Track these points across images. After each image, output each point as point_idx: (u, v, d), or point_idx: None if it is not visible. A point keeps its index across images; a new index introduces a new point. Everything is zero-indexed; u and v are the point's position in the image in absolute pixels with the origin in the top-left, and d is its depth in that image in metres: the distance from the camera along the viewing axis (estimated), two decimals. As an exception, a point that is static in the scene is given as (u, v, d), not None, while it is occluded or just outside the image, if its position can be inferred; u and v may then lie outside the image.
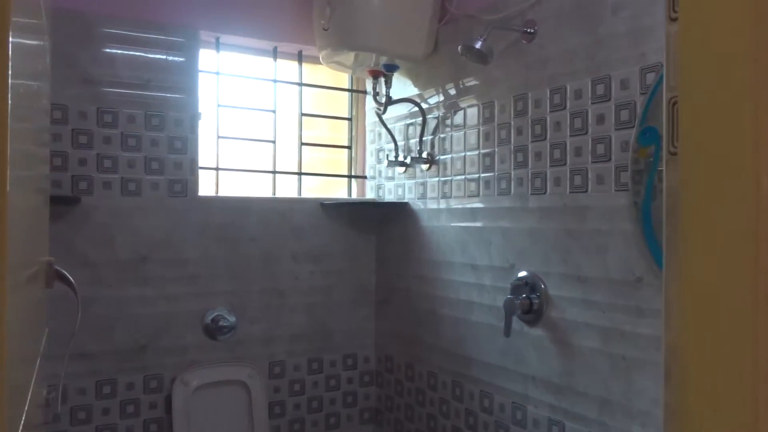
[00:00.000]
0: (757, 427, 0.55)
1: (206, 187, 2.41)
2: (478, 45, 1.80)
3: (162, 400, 2.24)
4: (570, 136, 1.72)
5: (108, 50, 2.15)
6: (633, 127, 1.53)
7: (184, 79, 2.27)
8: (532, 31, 1.84)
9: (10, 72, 0.56)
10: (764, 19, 0.58)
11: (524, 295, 1.81)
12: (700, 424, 0.59)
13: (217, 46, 2.43)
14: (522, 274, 1.87)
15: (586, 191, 1.67)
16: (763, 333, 0.57)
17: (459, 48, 1.86)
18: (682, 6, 0.64)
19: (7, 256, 0.53)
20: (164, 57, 2.23)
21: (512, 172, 1.93)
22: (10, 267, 0.54)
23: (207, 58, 2.41)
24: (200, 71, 2.33)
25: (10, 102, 0.57)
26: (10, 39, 0.57)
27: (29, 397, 0.63)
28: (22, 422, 0.59)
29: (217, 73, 2.44)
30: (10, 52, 0.56)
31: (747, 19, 0.59)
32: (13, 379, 0.51)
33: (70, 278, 0.98)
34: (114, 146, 2.16)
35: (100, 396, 2.15)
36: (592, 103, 1.66)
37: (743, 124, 0.59)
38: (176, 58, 2.25)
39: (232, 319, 2.35)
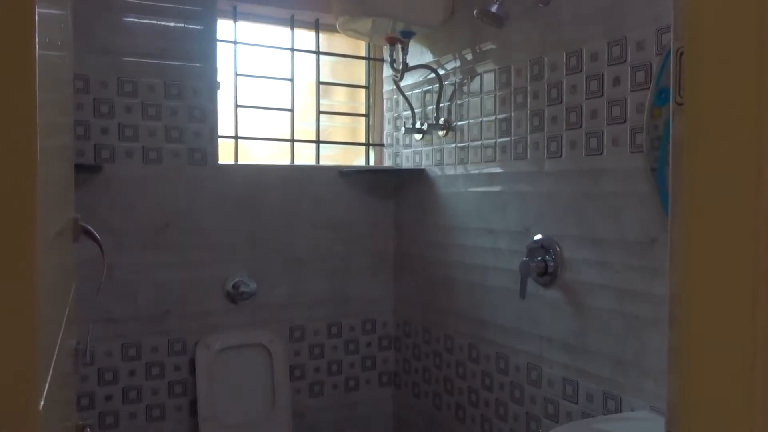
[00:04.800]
0: (755, 362, 0.56)
1: (225, 156, 2.44)
2: (493, 9, 1.79)
3: (186, 363, 2.31)
4: (586, 99, 1.72)
5: (126, 19, 2.17)
6: (649, 88, 1.52)
7: (202, 47, 2.29)
8: (548, -7, 1.83)
9: (36, 42, 0.58)
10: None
11: (539, 258, 1.83)
12: (702, 363, 0.61)
13: (234, 14, 2.44)
14: (537, 237, 1.88)
15: (602, 154, 1.67)
16: (763, 277, 0.58)
17: (475, 11, 1.86)
18: (689, -45, 0.64)
19: (37, 206, 0.56)
20: (182, 25, 2.25)
21: (528, 137, 1.93)
22: (39, 217, 0.57)
23: (224, 27, 2.42)
24: (218, 40, 2.35)
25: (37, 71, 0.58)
26: (37, 9, 0.58)
27: (58, 344, 0.67)
28: (52, 366, 0.62)
29: (235, 42, 2.45)
30: (36, 22, 0.57)
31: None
32: (44, 323, 0.54)
33: (95, 233, 1.02)
34: (135, 115, 2.19)
35: (126, 358, 2.22)
36: (608, 65, 1.65)
37: (748, 72, 0.59)
38: (194, 26, 2.27)
39: (252, 285, 2.40)
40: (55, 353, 0.62)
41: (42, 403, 0.47)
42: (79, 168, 2.01)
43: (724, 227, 0.62)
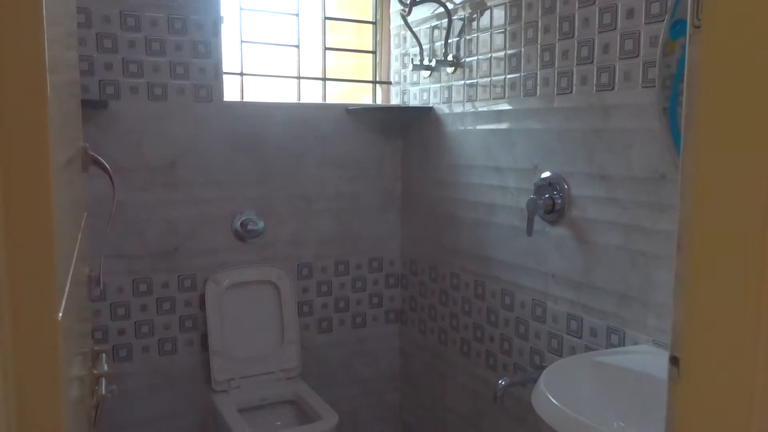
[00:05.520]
0: (762, 286, 0.57)
1: (231, 93, 2.42)
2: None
3: (196, 299, 2.35)
4: (598, 32, 1.68)
5: (127, -50, 2.12)
6: (663, 20, 1.49)
7: (205, -20, 2.24)
8: None
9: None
10: None
11: (547, 195, 1.83)
12: (708, 287, 0.62)
13: (238, -54, 2.37)
14: (545, 174, 1.87)
15: (613, 89, 1.64)
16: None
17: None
18: None
19: (49, 133, 0.56)
20: (184, -44, 2.20)
21: (538, 73, 1.90)
22: (52, 143, 0.57)
23: (227, -42, 2.36)
24: (221, -28, 2.29)
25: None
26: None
27: (73, 265, 0.68)
28: (68, 283, 0.64)
29: (238, -25, 2.39)
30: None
31: None
32: (60, 238, 0.55)
33: (104, 162, 1.02)
34: (138, 50, 2.16)
35: (138, 293, 2.26)
36: (622, -3, 1.61)
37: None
38: (196, -42, 2.22)
39: (260, 223, 2.42)
40: (71, 271, 0.64)
41: (60, 314, 0.48)
42: (85, 104, 2.00)
43: (738, 151, 0.61)
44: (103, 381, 0.86)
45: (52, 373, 0.46)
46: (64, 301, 0.51)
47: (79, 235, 0.84)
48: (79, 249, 0.81)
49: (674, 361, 0.64)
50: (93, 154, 0.95)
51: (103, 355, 0.99)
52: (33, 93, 0.54)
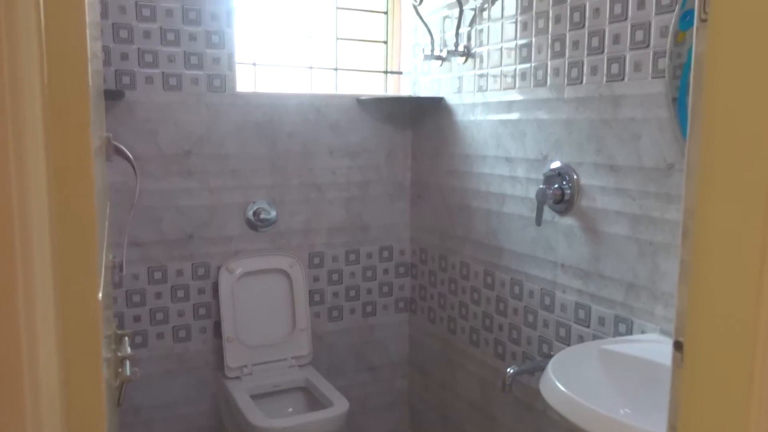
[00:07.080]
0: (763, 273, 0.59)
1: (244, 83, 2.44)
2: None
3: (209, 286, 2.39)
4: (609, 22, 1.69)
5: (142, -58, 2.14)
6: (674, 11, 1.50)
7: (219, -29, 2.26)
8: None
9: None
10: None
11: (556, 185, 1.85)
12: (711, 273, 0.64)
13: (250, -64, 2.39)
14: (555, 165, 1.89)
15: (623, 79, 1.66)
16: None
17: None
18: None
19: (90, 131, 0.59)
20: (198, -52, 2.22)
21: (549, 63, 1.91)
22: (92, 130, 0.60)
23: (240, -51, 2.37)
24: (234, -37, 2.31)
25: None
26: None
27: (104, 249, 0.71)
28: (102, 275, 0.67)
29: (251, -34, 2.41)
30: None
31: None
32: (101, 226, 0.58)
33: (127, 152, 1.05)
34: (153, 41, 2.19)
35: (152, 281, 2.30)
36: (633, -12, 1.62)
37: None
38: (210, -51, 2.24)
39: (272, 212, 2.45)
40: (104, 255, 0.67)
41: (100, 295, 0.51)
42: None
43: (742, 141, 0.63)
44: (127, 363, 0.89)
45: (94, 352, 0.49)
46: (102, 284, 0.54)
47: (106, 223, 0.87)
48: (107, 236, 0.84)
49: (678, 346, 0.66)
50: (116, 143, 0.98)
51: (126, 338, 1.02)
52: (77, 84, 0.56)
